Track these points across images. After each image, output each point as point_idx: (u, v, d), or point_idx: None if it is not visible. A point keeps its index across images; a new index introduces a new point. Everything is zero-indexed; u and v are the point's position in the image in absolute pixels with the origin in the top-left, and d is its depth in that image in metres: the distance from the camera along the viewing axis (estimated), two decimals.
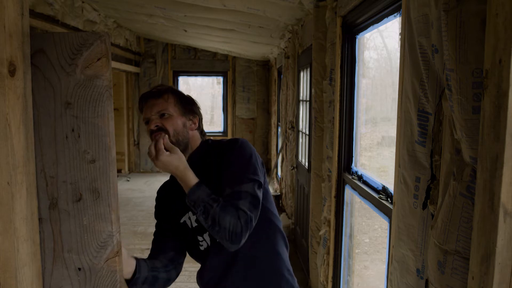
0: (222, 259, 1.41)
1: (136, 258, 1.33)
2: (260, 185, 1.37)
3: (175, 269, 1.47)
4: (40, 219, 0.91)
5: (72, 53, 0.90)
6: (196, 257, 1.51)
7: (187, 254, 1.53)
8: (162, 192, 1.57)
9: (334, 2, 2.61)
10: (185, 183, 1.33)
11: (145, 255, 1.47)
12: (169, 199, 1.52)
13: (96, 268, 0.93)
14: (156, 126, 1.38)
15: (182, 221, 1.47)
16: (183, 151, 1.39)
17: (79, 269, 0.93)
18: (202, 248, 1.45)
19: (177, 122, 1.40)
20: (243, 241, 1.29)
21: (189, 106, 1.47)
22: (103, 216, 0.92)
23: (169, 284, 1.46)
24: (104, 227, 0.93)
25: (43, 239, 0.92)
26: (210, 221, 1.27)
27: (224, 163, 1.39)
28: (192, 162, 1.40)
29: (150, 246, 1.52)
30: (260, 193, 1.36)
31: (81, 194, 0.92)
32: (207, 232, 1.42)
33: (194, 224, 1.45)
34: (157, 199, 1.57)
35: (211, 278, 1.45)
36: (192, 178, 1.32)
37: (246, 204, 1.31)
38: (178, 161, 1.31)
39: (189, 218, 1.46)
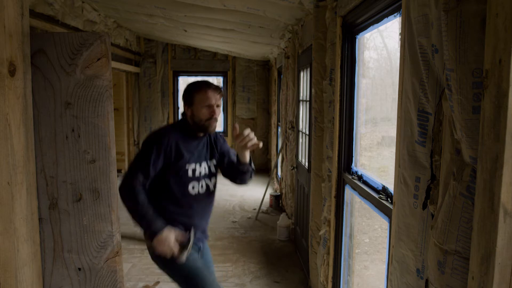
0: (203, 204, 2.14)
1: None
2: None
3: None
4: (40, 219, 0.91)
5: (72, 53, 0.90)
6: (182, 195, 2.04)
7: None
8: (174, 136, 2.00)
9: (334, 2, 2.61)
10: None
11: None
12: (181, 146, 1.99)
13: (96, 268, 0.93)
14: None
15: (186, 168, 2.01)
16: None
17: (79, 269, 0.93)
18: (193, 192, 2.07)
19: None
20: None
21: None
22: (103, 216, 0.92)
23: None
24: (104, 227, 0.93)
25: (43, 239, 0.92)
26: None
27: (223, 145, 2.28)
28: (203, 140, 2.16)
29: None
30: None
31: (81, 194, 0.92)
32: (205, 180, 2.12)
33: (203, 173, 2.10)
34: (165, 142, 1.93)
35: (189, 216, 2.08)
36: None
37: None
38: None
39: (195, 168, 2.05)
